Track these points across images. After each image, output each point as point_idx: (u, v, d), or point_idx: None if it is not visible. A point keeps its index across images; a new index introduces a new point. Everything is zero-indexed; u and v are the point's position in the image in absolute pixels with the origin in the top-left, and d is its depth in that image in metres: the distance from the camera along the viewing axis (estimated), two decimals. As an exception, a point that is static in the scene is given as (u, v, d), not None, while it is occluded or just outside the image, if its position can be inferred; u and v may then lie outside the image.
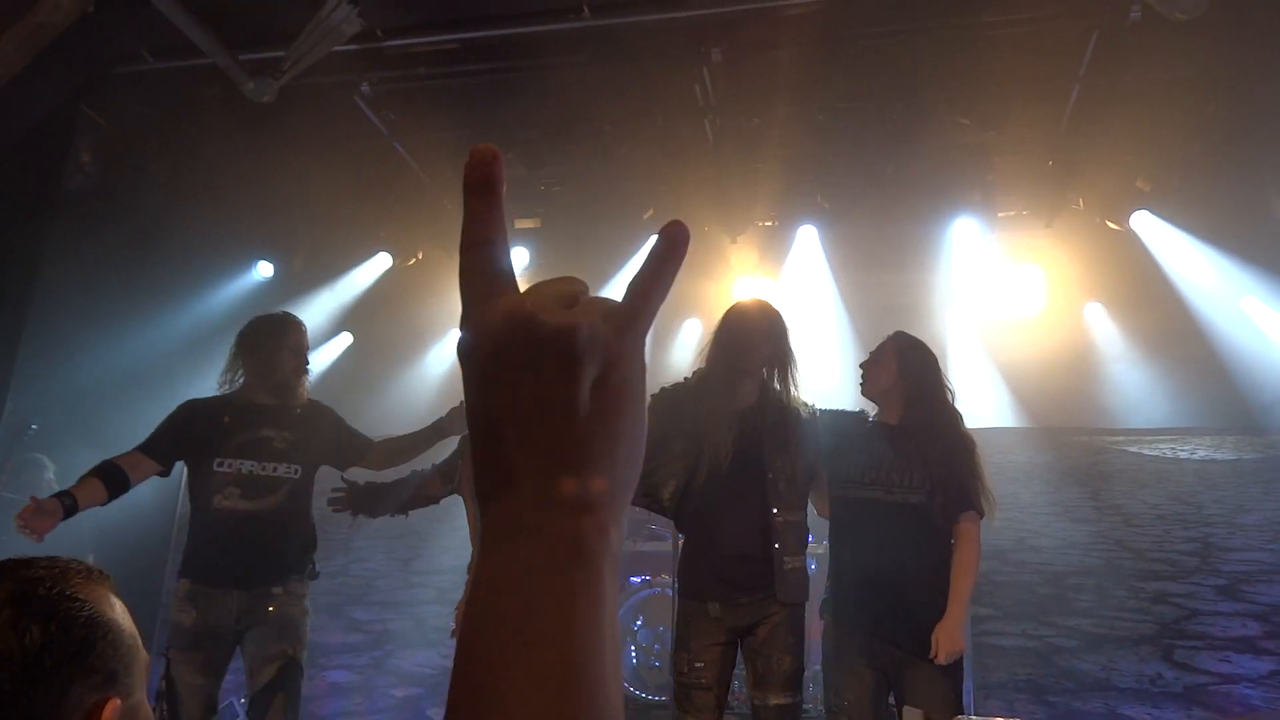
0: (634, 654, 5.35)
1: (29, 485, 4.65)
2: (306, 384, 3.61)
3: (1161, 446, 6.20)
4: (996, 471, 6.82)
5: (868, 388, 3.39)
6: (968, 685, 5.55)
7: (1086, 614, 5.69)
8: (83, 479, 3.20)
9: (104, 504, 3.23)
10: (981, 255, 6.37)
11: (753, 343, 3.27)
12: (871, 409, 3.45)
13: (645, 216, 6.46)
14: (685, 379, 3.40)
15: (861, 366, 3.44)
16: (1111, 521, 5.94)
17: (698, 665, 3.15)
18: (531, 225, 6.47)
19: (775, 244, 6.57)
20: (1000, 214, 6.19)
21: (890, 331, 3.46)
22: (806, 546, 3.32)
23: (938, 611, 3.12)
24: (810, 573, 3.40)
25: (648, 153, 5.60)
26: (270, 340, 3.50)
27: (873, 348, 3.45)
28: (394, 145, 5.71)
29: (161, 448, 3.41)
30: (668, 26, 4.37)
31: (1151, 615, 5.67)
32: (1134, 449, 6.21)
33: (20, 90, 4.04)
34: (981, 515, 3.24)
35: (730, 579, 3.17)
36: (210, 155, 5.47)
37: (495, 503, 0.50)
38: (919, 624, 3.13)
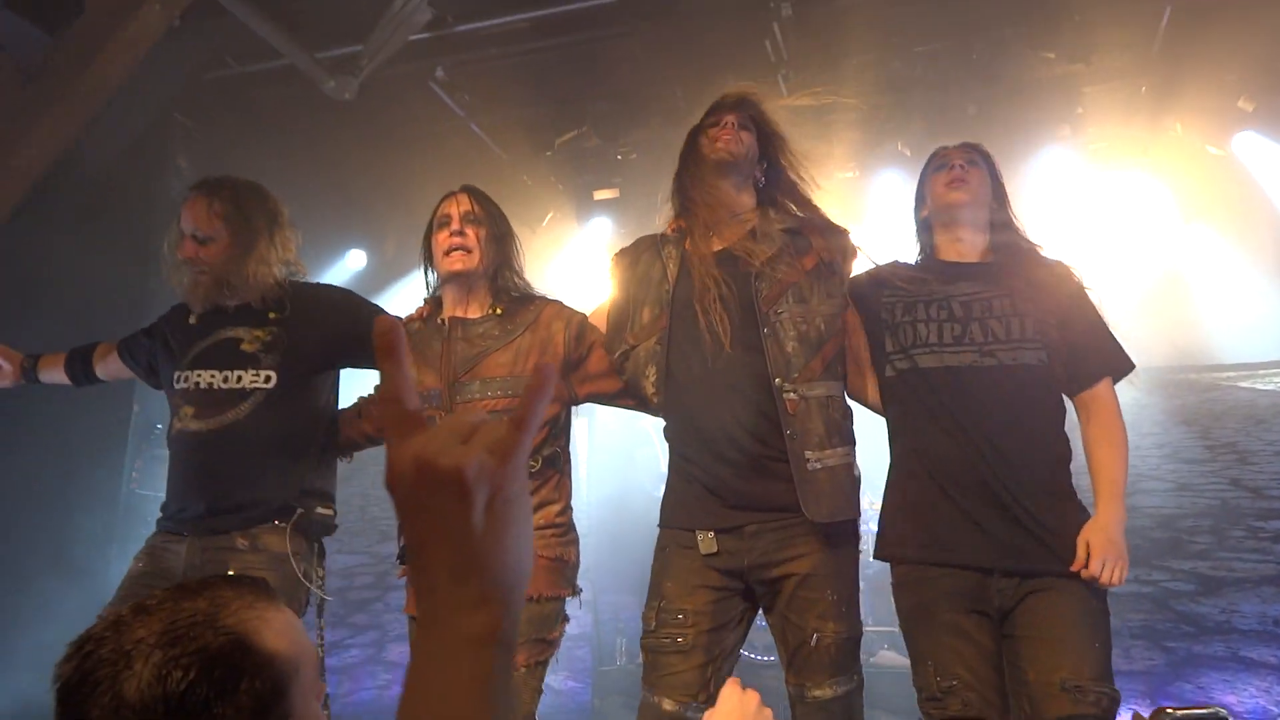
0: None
1: (160, 481, 4.91)
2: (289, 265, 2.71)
3: (1278, 380, 5.91)
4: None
5: (963, 193, 2.36)
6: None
7: (1203, 556, 5.50)
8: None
9: (73, 385, 2.90)
10: (1072, 187, 6.12)
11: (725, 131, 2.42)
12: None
13: (722, 178, 6.39)
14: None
15: (947, 167, 2.42)
16: (1226, 460, 5.71)
17: (675, 617, 2.13)
18: (610, 196, 6.48)
19: (857, 194, 6.44)
20: (1091, 146, 5.94)
21: None
22: (845, 433, 2.25)
23: (1066, 511, 2.15)
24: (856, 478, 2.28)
25: (721, 114, 5.54)
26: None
27: None
28: (470, 126, 5.80)
29: (130, 341, 2.82)
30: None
31: (1273, 555, 5.45)
32: (1247, 384, 5.94)
33: (120, 105, 4.26)
34: (1121, 376, 2.30)
35: (727, 492, 2.15)
36: (295, 151, 5.66)
37: (422, 603, 0.65)
38: (1044, 530, 2.10)
